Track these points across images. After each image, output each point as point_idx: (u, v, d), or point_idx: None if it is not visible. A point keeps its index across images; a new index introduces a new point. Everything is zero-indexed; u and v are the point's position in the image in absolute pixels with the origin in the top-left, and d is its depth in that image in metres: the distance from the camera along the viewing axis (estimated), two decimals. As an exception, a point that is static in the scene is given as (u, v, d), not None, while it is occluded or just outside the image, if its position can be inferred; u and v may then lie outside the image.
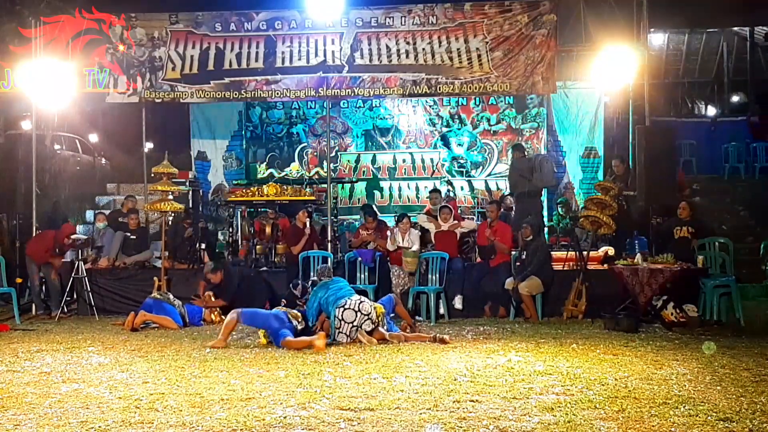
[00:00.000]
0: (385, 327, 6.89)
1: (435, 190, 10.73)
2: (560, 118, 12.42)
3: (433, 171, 12.63)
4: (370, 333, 6.74)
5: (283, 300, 8.01)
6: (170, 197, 8.92)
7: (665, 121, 15.01)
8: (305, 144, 12.95)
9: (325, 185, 10.27)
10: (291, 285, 8.08)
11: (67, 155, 15.03)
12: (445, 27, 9.47)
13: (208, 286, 8.56)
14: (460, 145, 12.67)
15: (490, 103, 12.56)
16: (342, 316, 6.75)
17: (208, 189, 12.90)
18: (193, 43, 9.76)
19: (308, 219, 9.32)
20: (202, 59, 9.72)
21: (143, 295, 8.84)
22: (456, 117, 12.69)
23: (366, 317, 6.74)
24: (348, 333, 6.73)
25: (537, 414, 4.18)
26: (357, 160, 12.86)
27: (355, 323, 6.72)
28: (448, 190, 11.65)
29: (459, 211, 10.58)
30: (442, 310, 8.53)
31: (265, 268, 9.30)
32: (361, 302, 6.80)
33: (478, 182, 12.57)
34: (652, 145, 8.89)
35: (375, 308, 6.83)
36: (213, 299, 8.48)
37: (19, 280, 9.45)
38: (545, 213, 11.76)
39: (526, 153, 10.94)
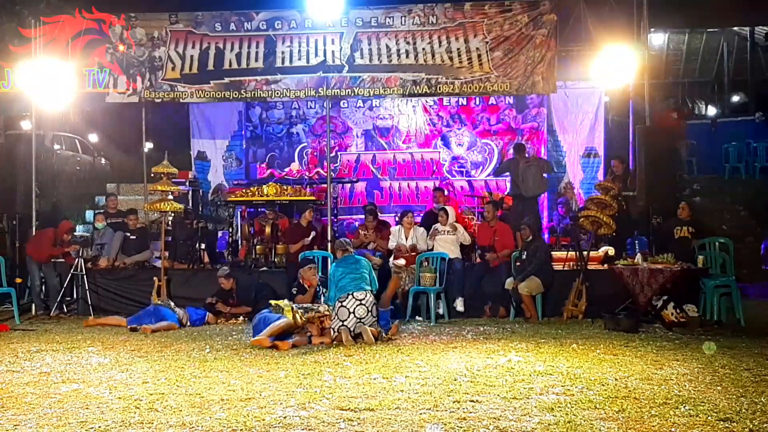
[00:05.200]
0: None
1: (438, 189, 10.70)
2: (560, 118, 12.41)
3: (433, 171, 12.64)
4: (362, 336, 6.75)
5: (295, 288, 8.07)
6: (170, 197, 8.92)
7: (665, 121, 15.00)
8: (305, 144, 12.95)
9: (325, 185, 10.26)
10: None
11: (67, 155, 15.00)
12: (445, 27, 9.46)
13: (218, 289, 8.54)
14: (460, 145, 12.67)
15: (490, 103, 12.57)
16: (337, 311, 6.77)
17: (208, 189, 12.87)
18: (193, 43, 9.76)
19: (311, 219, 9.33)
20: (202, 59, 9.71)
21: (143, 295, 8.85)
22: (456, 117, 12.70)
23: (359, 321, 6.75)
24: (337, 330, 6.75)
25: (537, 414, 4.18)
26: (357, 160, 12.87)
27: (345, 323, 6.73)
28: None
29: (460, 211, 10.57)
30: (441, 311, 8.52)
31: (264, 268, 9.30)
32: (359, 304, 6.79)
33: (478, 182, 12.57)
34: (652, 145, 8.89)
35: (372, 311, 6.84)
36: (225, 307, 8.47)
37: (19, 280, 9.44)
38: (545, 213, 11.76)
39: (526, 153, 10.78)
